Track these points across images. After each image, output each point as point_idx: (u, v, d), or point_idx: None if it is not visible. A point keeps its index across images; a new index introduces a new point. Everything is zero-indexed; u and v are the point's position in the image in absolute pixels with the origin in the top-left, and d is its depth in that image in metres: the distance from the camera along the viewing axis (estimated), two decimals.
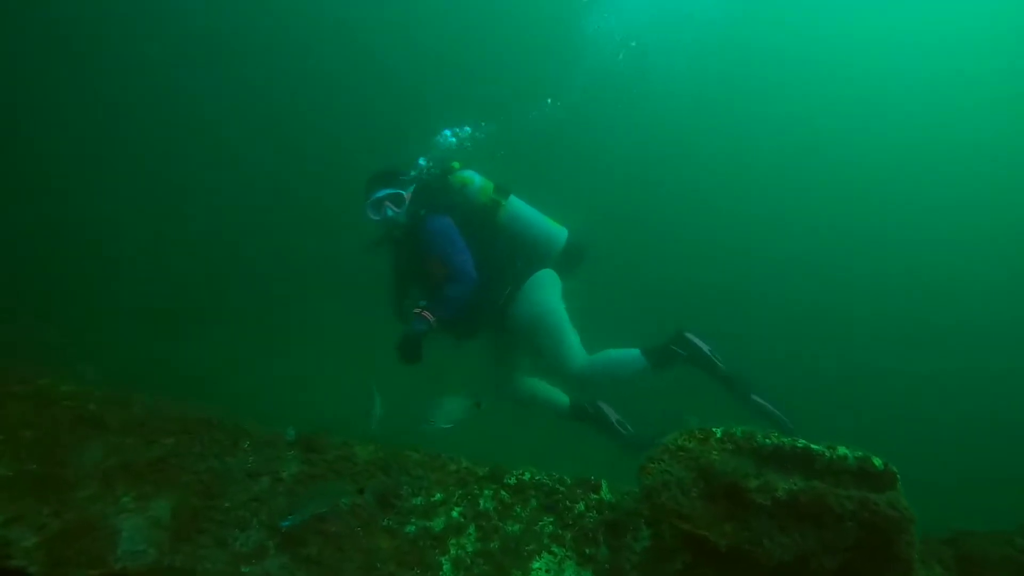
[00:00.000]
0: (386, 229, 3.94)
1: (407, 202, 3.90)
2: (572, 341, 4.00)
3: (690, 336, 4.02)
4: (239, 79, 15.43)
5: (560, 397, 4.35)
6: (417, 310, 3.69)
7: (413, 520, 2.03)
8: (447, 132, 4.95)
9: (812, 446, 1.86)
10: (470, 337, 4.10)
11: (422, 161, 4.15)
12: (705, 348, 3.97)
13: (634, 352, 4.04)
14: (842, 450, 1.83)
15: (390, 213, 3.87)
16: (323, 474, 2.11)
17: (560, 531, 2.04)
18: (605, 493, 2.19)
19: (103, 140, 14.33)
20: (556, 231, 4.14)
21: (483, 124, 5.18)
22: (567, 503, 2.12)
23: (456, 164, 4.08)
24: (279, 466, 2.13)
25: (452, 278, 3.70)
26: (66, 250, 9.41)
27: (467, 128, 5.05)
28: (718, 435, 1.96)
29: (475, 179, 4.03)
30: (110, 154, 13.96)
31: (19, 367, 2.35)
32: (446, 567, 1.91)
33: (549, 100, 8.21)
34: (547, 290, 4.04)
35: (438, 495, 2.12)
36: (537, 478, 2.21)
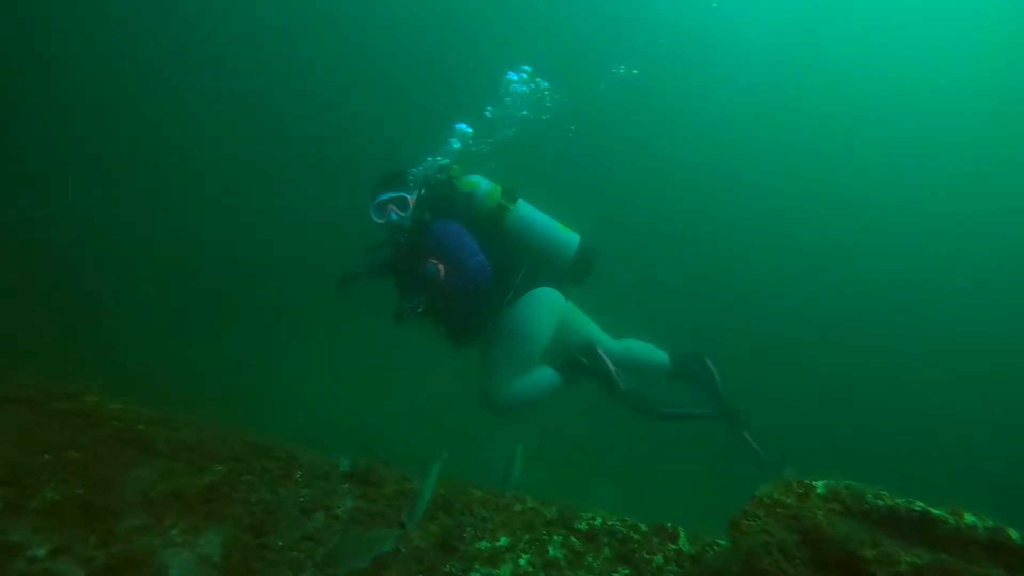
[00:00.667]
0: (389, 233, 3.84)
1: (412, 206, 3.80)
2: (521, 374, 3.84)
3: (600, 353, 3.95)
4: (278, 60, 15.45)
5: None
6: (435, 261, 3.59)
7: (477, 567, 1.87)
8: (512, 75, 4.82)
9: (932, 510, 1.66)
10: (469, 343, 3.95)
11: (429, 159, 4.04)
12: (611, 368, 3.90)
13: (546, 370, 3.94)
14: (970, 518, 1.62)
15: (394, 217, 3.78)
16: (381, 511, 1.96)
17: None
18: (684, 543, 2.00)
19: (117, 137, 14.45)
20: (567, 237, 3.97)
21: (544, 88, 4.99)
22: (644, 555, 1.94)
23: (456, 169, 3.96)
24: (334, 500, 1.98)
25: (466, 272, 3.61)
26: (79, 250, 9.39)
27: (541, 80, 4.93)
28: (820, 491, 1.76)
29: (481, 183, 3.91)
30: (125, 151, 14.04)
31: (64, 382, 2.25)
32: None
33: (622, 68, 7.69)
34: (541, 311, 3.87)
35: (504, 539, 1.96)
36: (609, 523, 2.04)
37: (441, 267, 3.55)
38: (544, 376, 3.91)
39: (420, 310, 3.66)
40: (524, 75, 5.10)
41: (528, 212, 3.93)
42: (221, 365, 7.55)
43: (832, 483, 1.77)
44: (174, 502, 1.91)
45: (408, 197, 3.80)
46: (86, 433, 2.07)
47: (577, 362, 3.93)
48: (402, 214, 3.79)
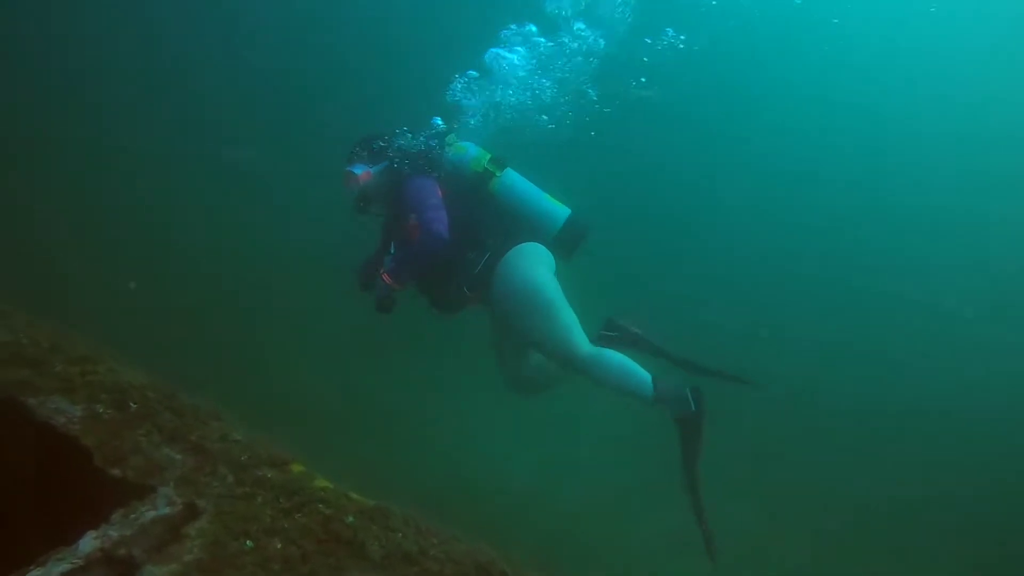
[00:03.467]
0: (362, 202, 3.93)
1: (362, 183, 3.85)
2: (569, 320, 3.54)
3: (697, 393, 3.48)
4: None
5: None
6: (381, 271, 3.64)
7: None
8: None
9: None
10: (450, 310, 3.82)
11: (437, 120, 4.04)
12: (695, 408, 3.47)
13: (646, 376, 3.50)
14: None
15: (353, 193, 3.88)
16: None
17: None
18: None
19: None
20: (555, 208, 3.81)
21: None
22: None
23: (453, 137, 3.93)
24: None
25: (420, 235, 3.53)
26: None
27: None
28: None
29: (470, 149, 3.87)
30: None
31: (268, 442, 1.94)
32: None
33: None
34: (531, 261, 3.65)
35: None
36: None
37: (386, 277, 3.59)
38: (641, 376, 3.55)
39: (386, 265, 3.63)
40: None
41: (515, 180, 3.83)
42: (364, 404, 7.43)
43: None
44: None
45: (359, 174, 3.83)
46: (291, 517, 1.71)
47: (680, 395, 3.51)
48: (352, 190, 3.86)
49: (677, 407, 3.46)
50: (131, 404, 2.03)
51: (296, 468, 1.86)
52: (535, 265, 3.64)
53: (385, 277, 3.58)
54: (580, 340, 3.49)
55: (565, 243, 3.81)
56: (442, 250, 3.49)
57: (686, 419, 3.44)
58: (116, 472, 1.79)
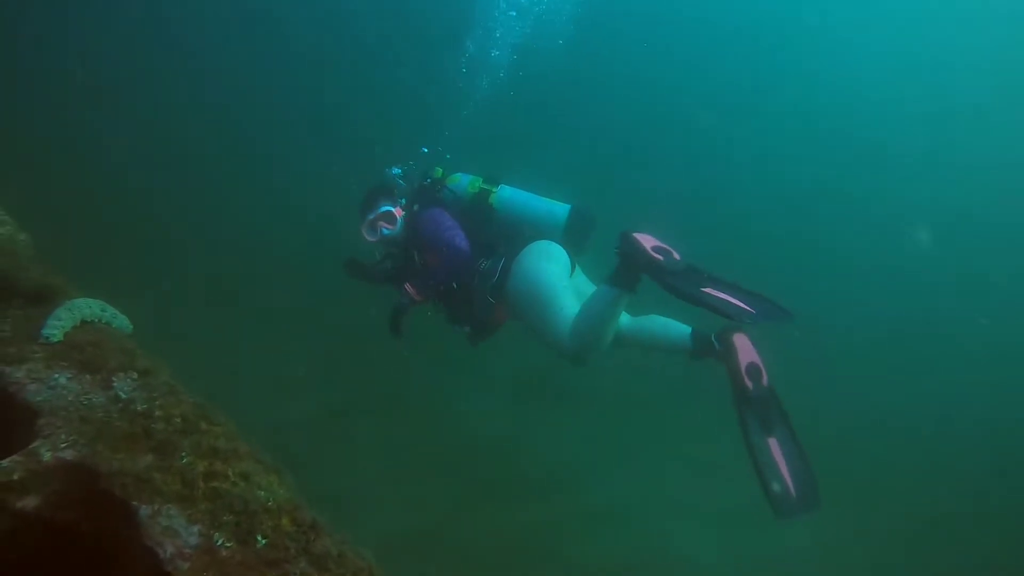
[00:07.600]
0: (385, 247, 4.09)
1: (400, 217, 4.04)
2: (565, 309, 3.55)
3: (632, 236, 3.23)
4: None
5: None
6: (407, 284, 3.83)
7: None
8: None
9: None
10: (484, 328, 3.92)
11: (396, 170, 4.25)
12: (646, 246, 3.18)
13: (684, 328, 3.43)
14: None
15: (386, 232, 4.02)
16: None
17: None
18: None
19: None
20: (554, 207, 4.01)
21: None
22: None
23: (439, 170, 4.15)
24: None
25: (441, 255, 3.78)
26: None
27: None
28: None
29: (463, 177, 4.13)
30: None
31: None
32: None
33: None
34: (540, 256, 3.78)
35: None
36: None
37: (408, 286, 3.81)
38: (597, 295, 3.51)
39: (440, 313, 3.92)
40: None
41: (511, 191, 4.05)
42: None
43: None
44: None
45: (393, 210, 4.02)
46: None
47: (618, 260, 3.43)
48: (392, 228, 4.02)
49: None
50: (259, 538, 1.44)
51: None
52: (543, 259, 3.75)
53: (409, 287, 3.79)
54: (569, 330, 3.47)
55: (574, 236, 3.94)
56: (465, 262, 3.73)
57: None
58: None
